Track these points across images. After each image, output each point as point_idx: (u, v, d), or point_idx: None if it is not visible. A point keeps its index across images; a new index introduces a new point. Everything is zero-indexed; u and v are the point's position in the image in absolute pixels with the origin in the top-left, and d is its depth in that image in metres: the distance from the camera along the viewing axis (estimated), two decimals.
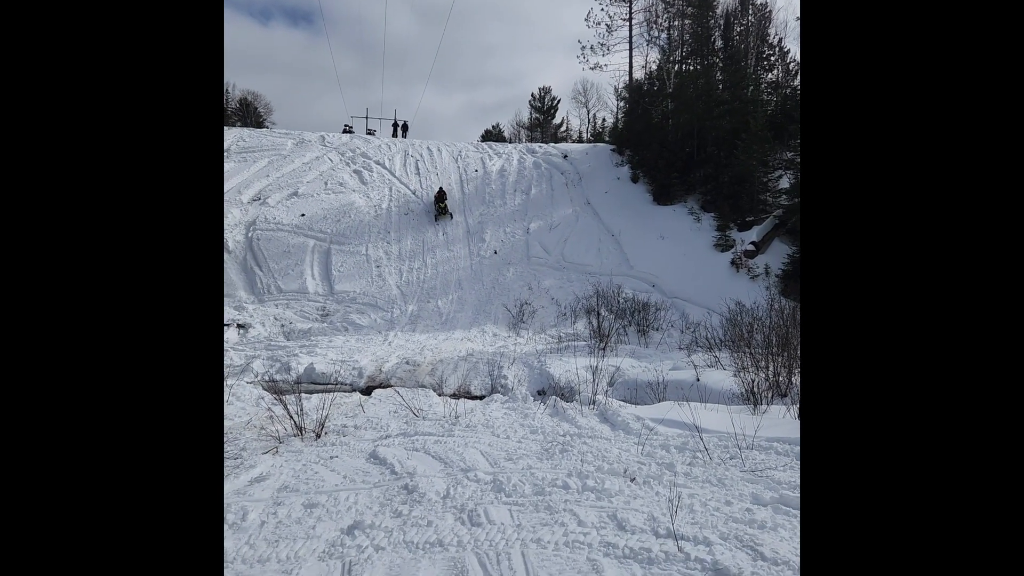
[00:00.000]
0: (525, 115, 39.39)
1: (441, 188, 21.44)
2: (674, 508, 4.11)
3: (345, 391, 10.50)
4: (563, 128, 37.48)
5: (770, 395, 8.60)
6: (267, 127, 29.55)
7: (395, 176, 23.30)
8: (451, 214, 20.94)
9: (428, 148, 25.83)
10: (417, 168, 24.07)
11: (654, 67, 26.10)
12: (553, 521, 4.09)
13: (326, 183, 21.87)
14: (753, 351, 10.40)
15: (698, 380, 10.16)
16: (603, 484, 4.77)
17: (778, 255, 17.84)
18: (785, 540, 3.72)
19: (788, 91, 23.13)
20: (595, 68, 28.76)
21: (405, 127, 28.56)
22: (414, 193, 22.41)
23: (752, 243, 17.92)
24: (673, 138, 22.49)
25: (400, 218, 21.03)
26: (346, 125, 27.96)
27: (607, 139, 28.73)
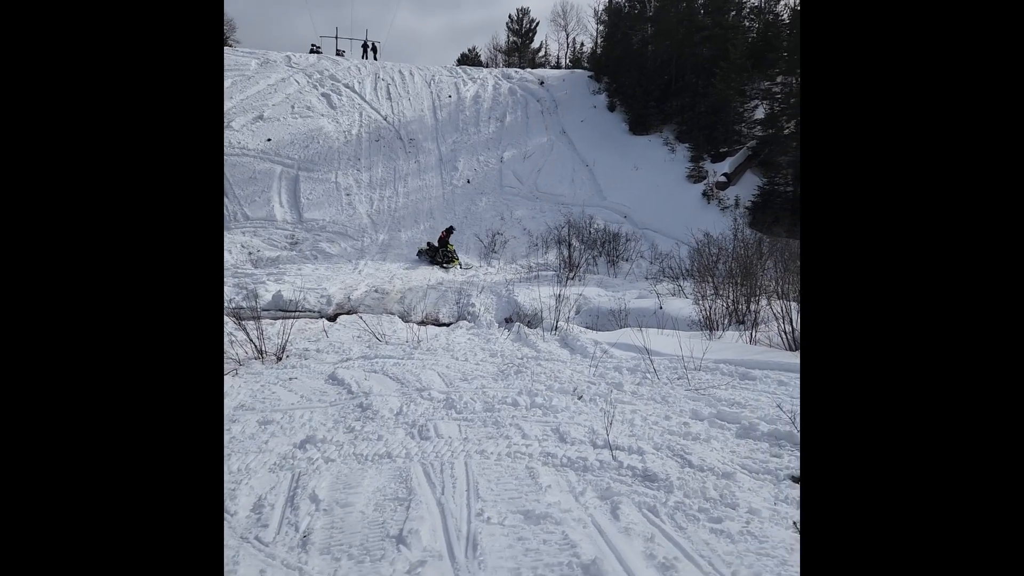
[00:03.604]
0: (503, 39, 37.98)
1: (449, 228, 15.80)
2: (609, 420, 4.31)
3: (312, 318, 10.54)
4: (542, 53, 36.26)
5: (727, 321, 8.85)
6: (230, 45, 28.14)
7: (365, 100, 22.55)
8: (460, 262, 15.40)
9: (400, 72, 24.92)
10: (389, 92, 23.29)
11: None
12: (499, 435, 4.26)
13: (293, 106, 21.11)
14: (715, 280, 10.61)
15: (660, 308, 10.38)
16: (551, 401, 4.95)
17: (749, 187, 17.89)
18: (715, 450, 3.93)
19: (771, 17, 22.52)
20: None
21: (374, 48, 27.39)
22: (385, 119, 21.77)
23: (724, 174, 17.92)
24: (652, 65, 21.94)
25: (371, 145, 20.51)
26: (313, 45, 26.69)
27: (585, 65, 27.94)
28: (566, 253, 15.16)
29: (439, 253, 15.12)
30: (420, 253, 15.62)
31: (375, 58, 26.99)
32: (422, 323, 10.69)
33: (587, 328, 9.65)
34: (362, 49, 27.48)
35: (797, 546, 2.67)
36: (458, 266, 15.08)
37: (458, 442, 4.14)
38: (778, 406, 4.61)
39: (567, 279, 13.69)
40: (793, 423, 4.19)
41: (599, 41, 27.38)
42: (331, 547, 2.81)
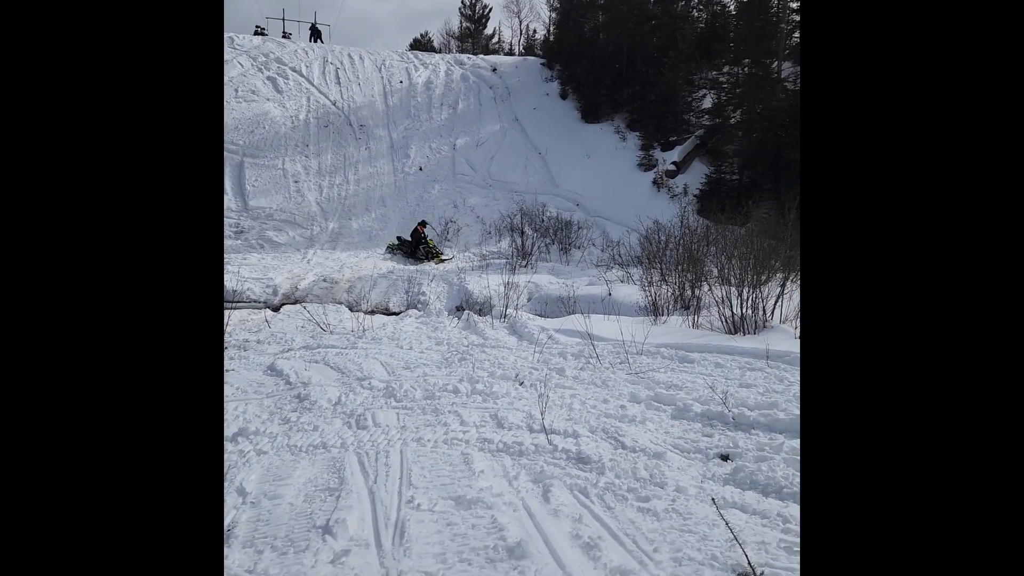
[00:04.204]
0: (456, 24, 37.56)
1: (423, 222, 15.07)
2: (543, 405, 4.34)
3: (256, 308, 10.27)
4: (495, 39, 36.00)
5: (671, 307, 9.02)
6: None
7: (313, 85, 21.98)
8: (440, 253, 14.82)
9: (349, 56, 24.35)
10: (338, 77, 22.75)
11: None
12: (437, 422, 4.24)
13: (236, 90, 20.40)
14: (663, 267, 10.80)
15: (609, 295, 10.51)
16: (492, 388, 4.95)
17: (697, 175, 18.23)
18: (649, 431, 4.01)
19: (718, 8, 22.90)
20: None
21: (318, 32, 26.67)
22: (335, 104, 21.28)
23: (673, 163, 18.21)
24: (603, 53, 22.06)
25: (319, 131, 20.03)
26: (258, 27, 25.78)
27: (538, 52, 27.90)
28: (519, 241, 15.19)
29: (420, 250, 14.63)
30: (391, 249, 15.12)
31: (319, 41, 26.28)
32: (371, 312, 10.56)
33: (537, 315, 9.70)
34: (310, 32, 26.73)
35: (718, 521, 2.74)
36: (443, 261, 14.54)
37: (395, 430, 4.10)
38: (711, 387, 4.73)
39: (519, 267, 13.72)
40: (724, 403, 4.31)
41: (551, 28, 27.36)
42: (255, 540, 2.75)
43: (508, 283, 10.18)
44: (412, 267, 13.74)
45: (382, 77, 23.40)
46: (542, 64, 25.46)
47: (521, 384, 5.12)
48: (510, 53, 32.29)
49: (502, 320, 8.87)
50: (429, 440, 3.91)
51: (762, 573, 2.32)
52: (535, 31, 34.85)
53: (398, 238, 15.36)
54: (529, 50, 31.12)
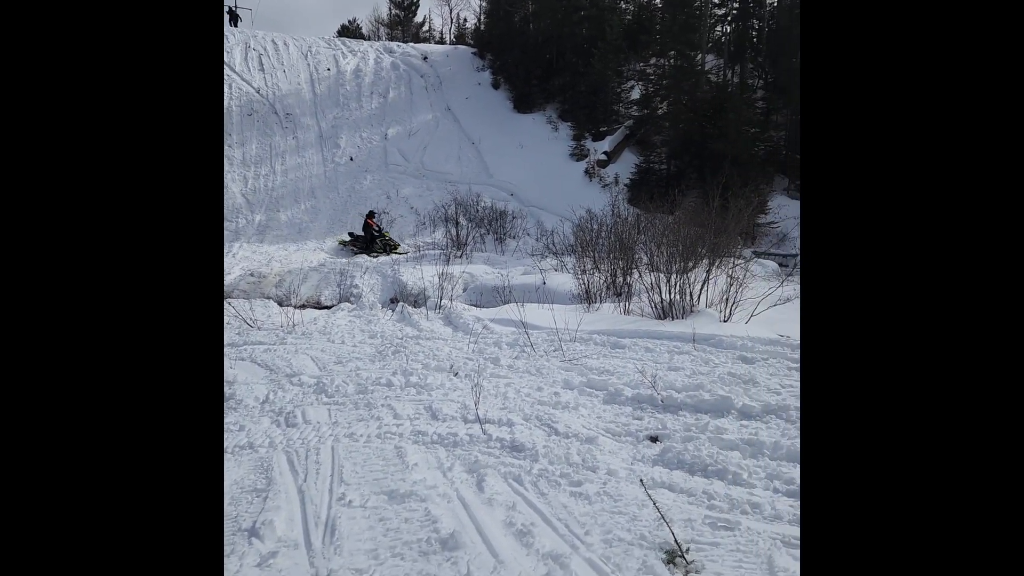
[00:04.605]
0: (384, 11, 36.70)
1: (371, 212, 14.78)
2: (477, 395, 4.35)
3: None
4: (426, 28, 35.45)
5: (603, 294, 9.20)
6: None
7: (235, 71, 21.03)
8: (396, 243, 14.57)
9: (273, 41, 23.42)
10: (261, 63, 21.85)
11: None
12: (370, 416, 4.17)
13: None
14: (596, 255, 10.98)
15: (544, 283, 10.60)
16: (426, 380, 4.91)
17: (628, 165, 18.63)
18: (582, 417, 4.08)
19: (644, 0, 23.37)
20: None
21: (237, 16, 25.53)
22: (258, 91, 20.44)
23: (604, 153, 18.52)
24: (534, 44, 22.13)
25: (243, 119, 19.21)
26: None
27: (470, 42, 27.69)
28: (453, 231, 15.10)
29: (376, 243, 14.20)
30: (343, 244, 14.57)
31: (237, 25, 25.15)
32: (302, 307, 10.25)
33: (472, 305, 9.68)
34: (228, 15, 25.52)
35: (648, 501, 2.82)
36: (401, 253, 14.18)
37: (326, 427, 4.00)
38: (641, 371, 4.86)
39: (454, 257, 13.64)
40: (654, 387, 4.43)
41: (482, 18, 27.20)
42: None
43: (443, 274, 10.10)
44: (344, 259, 13.42)
45: (308, 64, 22.64)
46: (473, 53, 25.30)
47: (456, 375, 5.10)
48: (441, 42, 31.89)
49: (437, 311, 8.80)
50: (362, 435, 3.84)
51: (687, 549, 2.40)
52: (466, 20, 34.53)
53: (349, 234, 14.92)
54: (460, 39, 30.84)
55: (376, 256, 13.77)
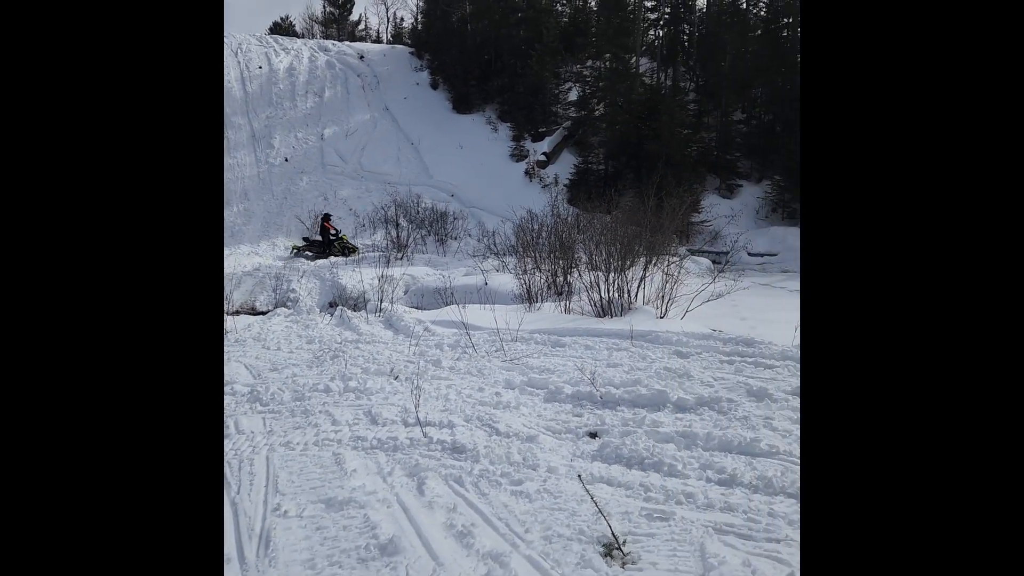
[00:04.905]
0: (318, 8, 35.87)
1: (326, 215, 14.66)
2: (418, 398, 4.32)
3: None
4: (361, 26, 34.87)
5: (544, 293, 9.30)
6: None
7: None
8: (354, 246, 14.47)
9: None
10: None
11: None
12: (307, 424, 4.07)
13: None
14: (537, 255, 11.08)
15: (486, 284, 10.62)
16: (366, 384, 4.83)
17: (567, 165, 18.89)
18: (523, 416, 4.10)
19: (580, 2, 23.74)
20: None
21: None
22: None
23: (544, 154, 18.71)
24: (472, 44, 22.13)
25: None
26: None
27: (407, 41, 27.41)
28: (394, 233, 14.93)
29: (334, 246, 13.84)
30: (298, 251, 14.06)
31: None
32: (236, 313, 9.89)
33: (414, 308, 9.60)
34: None
35: (586, 497, 2.87)
36: (359, 254, 13.93)
37: (261, 436, 3.88)
38: (579, 369, 4.94)
39: (395, 259, 13.49)
40: (593, 384, 4.51)
41: (419, 17, 26.97)
42: None
43: (383, 276, 9.96)
44: (280, 263, 13.04)
45: (239, 62, 21.88)
46: (411, 53, 25.08)
47: (396, 378, 5.04)
48: (378, 41, 31.44)
49: (377, 315, 8.67)
50: (298, 443, 3.74)
51: (624, 541, 2.46)
52: (402, 19, 34.19)
53: (304, 239, 14.51)
54: (397, 38, 30.50)
55: (335, 259, 13.53)
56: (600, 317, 7.50)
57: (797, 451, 3.32)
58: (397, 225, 15.13)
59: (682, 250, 13.28)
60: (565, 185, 17.81)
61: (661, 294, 7.62)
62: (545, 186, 17.95)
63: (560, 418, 4.07)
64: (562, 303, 8.54)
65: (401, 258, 13.80)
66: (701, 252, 14.64)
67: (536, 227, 13.44)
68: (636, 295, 7.96)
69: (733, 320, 7.26)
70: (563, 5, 23.89)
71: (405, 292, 11.11)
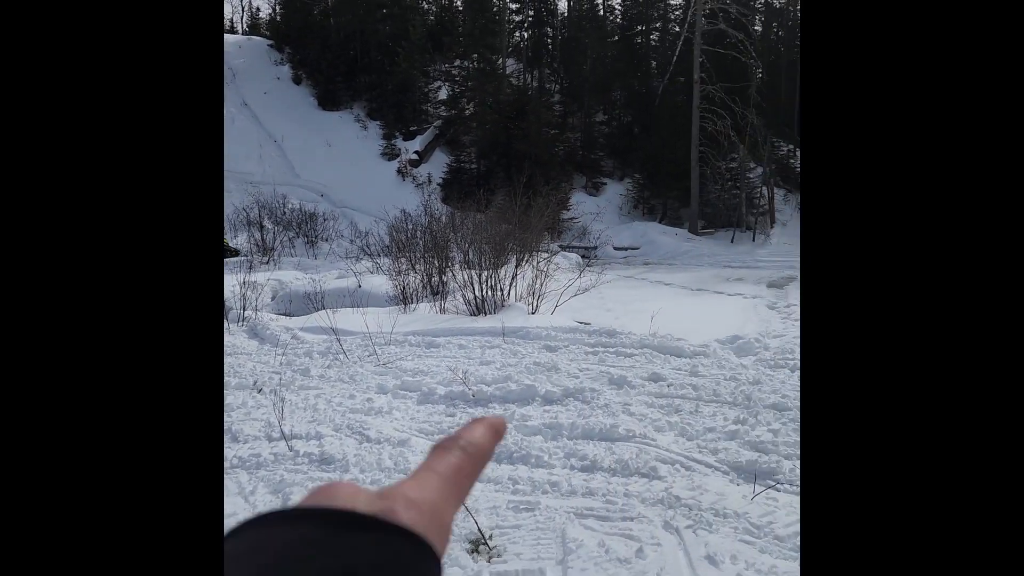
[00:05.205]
0: None
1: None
2: (281, 411, 4.16)
3: None
4: None
5: (420, 294, 9.25)
6: None
7: None
8: (236, 249, 13.72)
9: None
10: None
11: None
12: None
13: None
14: (411, 255, 10.98)
15: (360, 287, 10.37)
16: (226, 400, 4.55)
17: (439, 164, 18.87)
18: (395, 420, 4.08)
19: (446, 1, 23.77)
20: None
21: None
22: None
23: (416, 152, 18.56)
24: (335, 39, 21.42)
25: None
26: None
27: (265, 33, 25.96)
28: (258, 236, 14.13)
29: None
30: None
31: None
32: None
33: (281, 314, 9.14)
34: None
35: None
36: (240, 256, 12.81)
37: None
38: (451, 369, 4.99)
39: (260, 263, 12.77)
40: (465, 383, 4.58)
41: (277, 8, 25.65)
42: None
43: (246, 282, 9.40)
44: None
45: None
46: (270, 46, 23.80)
47: (260, 391, 4.80)
48: (232, 31, 29.48)
49: (240, 323, 8.17)
50: None
51: (491, 536, 2.54)
52: (259, 9, 32.32)
53: None
54: (254, 29, 28.79)
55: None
56: (474, 316, 7.60)
57: (651, 433, 3.59)
58: (261, 227, 14.34)
59: (553, 246, 13.78)
60: (438, 184, 17.80)
61: (532, 290, 7.86)
62: (418, 185, 17.83)
63: (433, 419, 4.10)
64: (437, 303, 8.55)
65: (267, 262, 13.10)
66: (570, 248, 15.26)
67: (410, 227, 13.33)
68: (509, 292, 8.14)
69: (600, 311, 7.66)
70: (429, 3, 23.80)
71: (272, 298, 10.57)
